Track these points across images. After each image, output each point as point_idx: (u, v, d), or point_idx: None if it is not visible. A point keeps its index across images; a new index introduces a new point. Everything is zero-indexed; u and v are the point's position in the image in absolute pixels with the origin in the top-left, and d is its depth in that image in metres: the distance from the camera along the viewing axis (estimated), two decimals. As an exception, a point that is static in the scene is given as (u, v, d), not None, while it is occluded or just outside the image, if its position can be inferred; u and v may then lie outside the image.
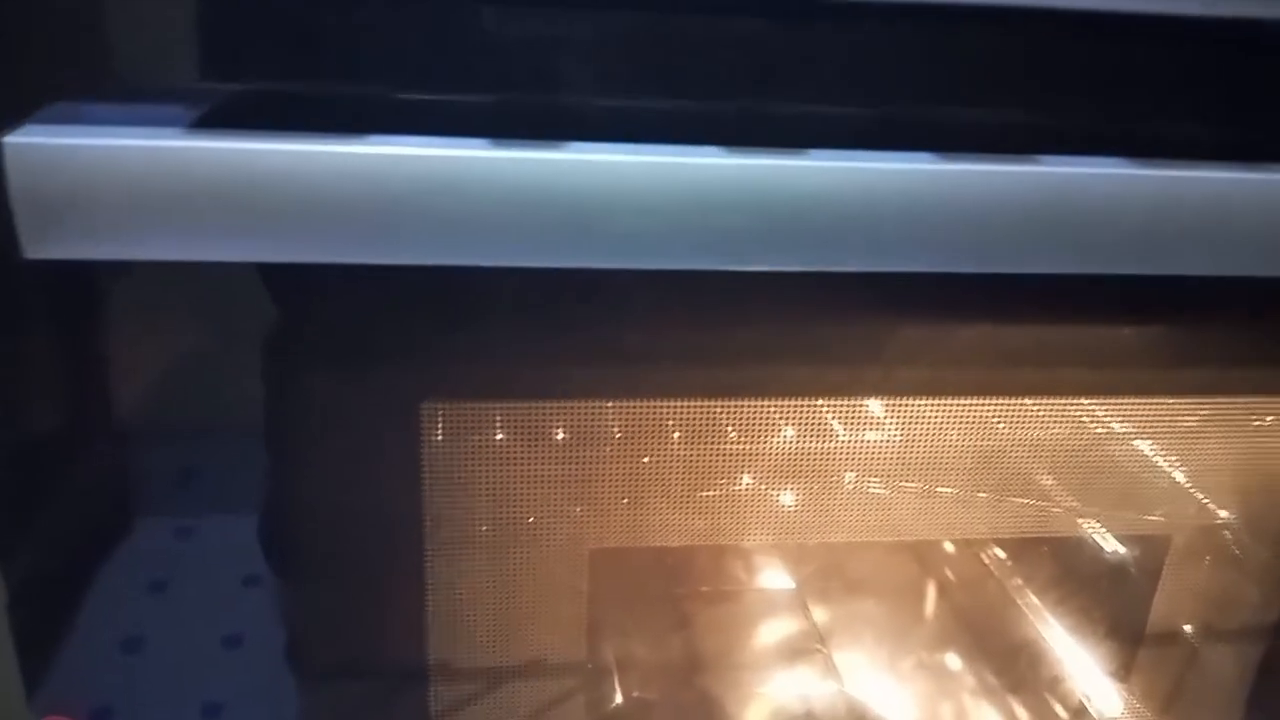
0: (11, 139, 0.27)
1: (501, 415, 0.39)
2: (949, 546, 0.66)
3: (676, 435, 0.42)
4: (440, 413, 0.38)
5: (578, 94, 0.35)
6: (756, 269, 0.33)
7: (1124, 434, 0.46)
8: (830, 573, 0.66)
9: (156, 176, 0.29)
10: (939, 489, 0.45)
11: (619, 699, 0.56)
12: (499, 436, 0.39)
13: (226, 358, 0.45)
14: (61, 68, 0.32)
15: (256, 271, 0.38)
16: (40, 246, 0.29)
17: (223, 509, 0.66)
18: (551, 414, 0.40)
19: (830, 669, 0.60)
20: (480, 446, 0.39)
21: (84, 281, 0.47)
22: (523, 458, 0.40)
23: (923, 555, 0.67)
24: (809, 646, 0.62)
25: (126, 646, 0.60)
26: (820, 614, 0.64)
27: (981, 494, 0.46)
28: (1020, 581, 0.63)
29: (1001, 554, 0.64)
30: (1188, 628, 0.51)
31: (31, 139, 0.28)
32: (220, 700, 0.57)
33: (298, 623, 0.44)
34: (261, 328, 0.38)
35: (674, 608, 0.63)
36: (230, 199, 0.30)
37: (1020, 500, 0.46)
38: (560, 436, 0.40)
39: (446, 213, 0.31)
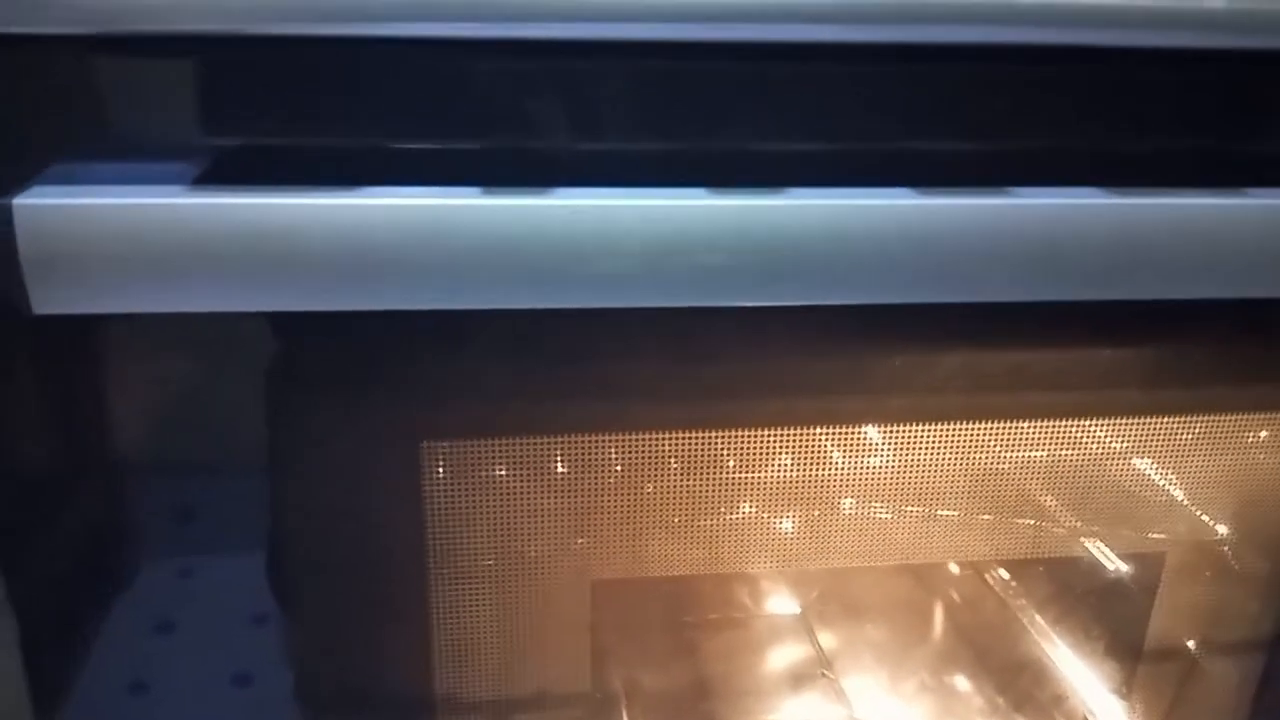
0: (21, 201, 0.28)
1: (502, 451, 0.40)
2: (952, 568, 0.67)
3: (675, 466, 0.43)
4: (441, 450, 0.39)
5: (559, 139, 0.36)
6: (742, 304, 0.34)
7: (1120, 453, 0.46)
8: (834, 597, 0.66)
9: (160, 233, 0.30)
10: (936, 512, 0.46)
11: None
12: (500, 472, 0.40)
13: (227, 395, 0.45)
14: (59, 128, 0.33)
15: (281, 324, 0.38)
16: (48, 303, 0.30)
17: (229, 547, 0.66)
18: (551, 448, 0.40)
19: (838, 694, 0.60)
20: (482, 482, 0.40)
21: (80, 321, 0.48)
22: (524, 492, 0.40)
23: (925, 577, 0.67)
24: (815, 672, 0.62)
25: (134, 689, 0.60)
26: (826, 639, 0.64)
27: (980, 516, 0.46)
28: (1023, 601, 0.63)
29: (1005, 574, 0.65)
30: (1186, 642, 0.51)
31: (40, 200, 0.29)
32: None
33: (305, 659, 0.45)
34: (262, 364, 0.39)
35: (678, 636, 0.63)
36: (232, 252, 0.31)
37: (1018, 521, 0.46)
38: (560, 470, 0.41)
39: (436, 259, 0.31)
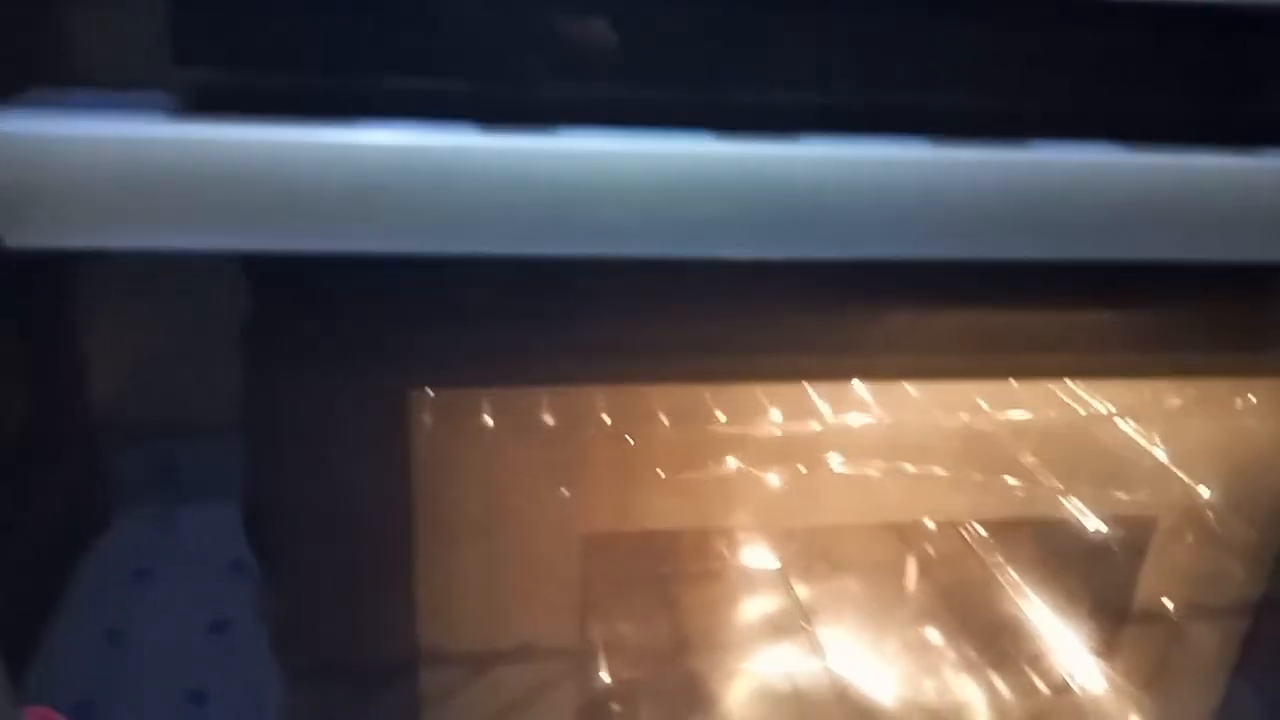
0: (-11, 127, 0.27)
1: (490, 401, 0.39)
2: (932, 525, 0.67)
3: (666, 420, 0.42)
4: (428, 399, 0.38)
5: (558, 81, 0.34)
6: (736, 256, 0.33)
7: (1109, 416, 0.46)
8: (814, 552, 0.67)
9: (137, 165, 0.28)
10: (924, 471, 0.46)
11: (607, 680, 0.56)
12: (488, 423, 0.39)
13: (205, 349, 0.44)
14: (29, 58, 0.31)
15: (238, 261, 0.37)
16: (20, 235, 0.28)
17: (206, 498, 0.65)
18: (540, 399, 0.40)
19: (815, 646, 0.61)
20: (469, 433, 0.39)
21: (61, 277, 0.46)
22: (512, 443, 0.40)
23: (906, 534, 0.67)
24: (794, 624, 0.62)
25: (111, 637, 0.59)
26: (804, 592, 0.64)
27: (966, 476, 0.46)
28: (1003, 560, 0.63)
29: (984, 533, 0.65)
30: (1171, 606, 0.52)
31: (11, 127, 0.27)
32: (206, 688, 0.57)
33: (287, 613, 0.44)
34: (241, 318, 0.38)
35: (660, 590, 0.63)
36: (212, 188, 0.29)
37: (1005, 482, 0.47)
38: (549, 422, 0.40)
39: (426, 201, 0.30)
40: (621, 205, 0.31)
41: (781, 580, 0.66)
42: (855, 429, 0.44)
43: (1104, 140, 0.36)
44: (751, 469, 0.45)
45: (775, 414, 0.44)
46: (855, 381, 0.44)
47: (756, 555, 0.67)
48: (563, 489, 0.41)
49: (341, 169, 0.30)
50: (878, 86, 0.37)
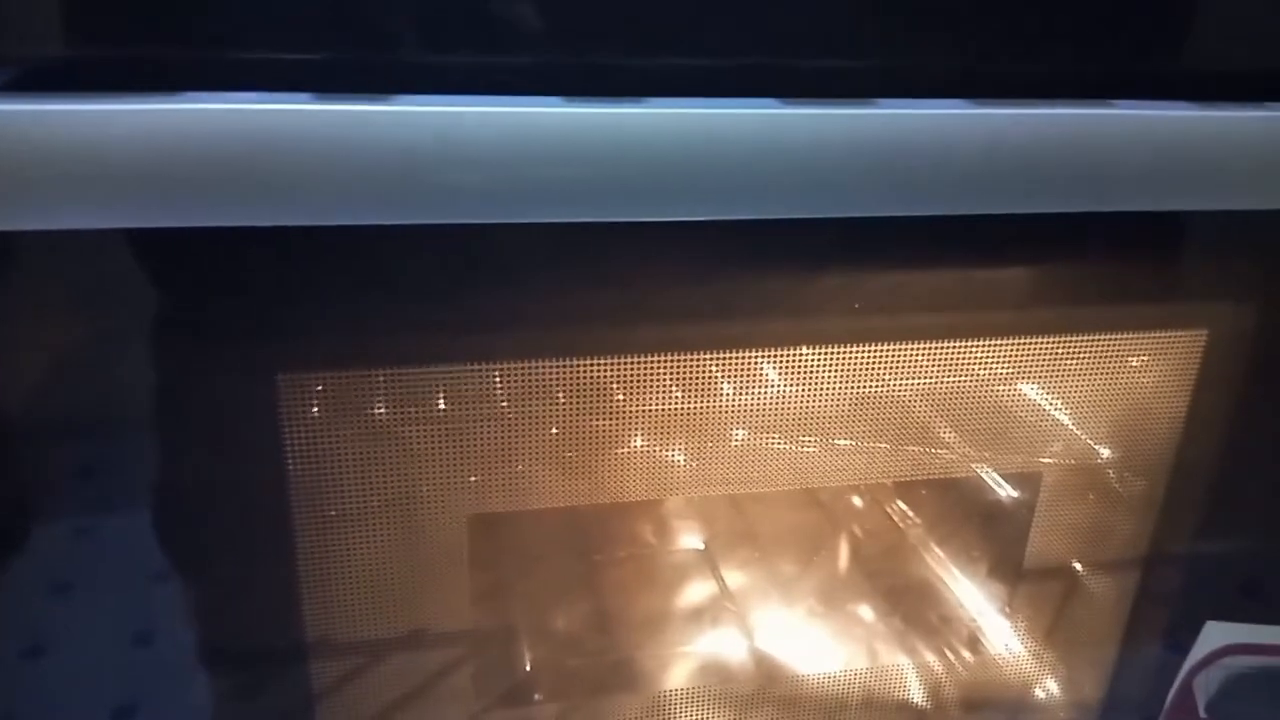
0: None
1: (364, 384, 0.39)
2: (854, 500, 0.67)
3: (560, 396, 0.42)
4: (299, 383, 0.38)
5: (412, 48, 0.34)
6: (597, 219, 0.33)
7: (1000, 375, 0.47)
8: (736, 531, 0.67)
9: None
10: (818, 436, 0.46)
11: (528, 666, 0.56)
12: (362, 405, 0.39)
13: (116, 346, 0.44)
14: None
15: (131, 254, 0.37)
16: None
17: (125, 503, 0.64)
18: (416, 380, 0.39)
19: (741, 625, 0.61)
20: (343, 416, 0.39)
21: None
22: (388, 426, 0.39)
23: (826, 508, 0.67)
24: (719, 604, 0.62)
25: (30, 653, 0.58)
26: (729, 572, 0.65)
27: (862, 438, 0.46)
28: (918, 526, 0.64)
29: (902, 503, 0.65)
30: (1066, 561, 0.53)
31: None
32: (132, 701, 0.56)
33: (194, 611, 0.43)
34: (143, 310, 0.38)
35: (584, 573, 0.63)
36: (58, 162, 0.29)
37: (901, 442, 0.47)
38: (424, 403, 0.40)
39: (277, 170, 0.30)
40: (463, 170, 0.31)
41: (706, 561, 0.66)
42: (753, 399, 0.44)
43: (955, 95, 0.36)
44: (652, 444, 0.45)
45: (672, 387, 0.44)
46: (748, 351, 0.44)
47: (681, 537, 0.67)
48: (445, 471, 0.41)
49: (178, 140, 0.30)
50: (735, 52, 0.37)
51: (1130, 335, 0.47)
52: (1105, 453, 0.50)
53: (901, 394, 0.45)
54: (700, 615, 0.61)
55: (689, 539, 0.67)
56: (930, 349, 0.45)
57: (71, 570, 0.47)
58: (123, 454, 0.40)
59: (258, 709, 0.43)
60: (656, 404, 0.43)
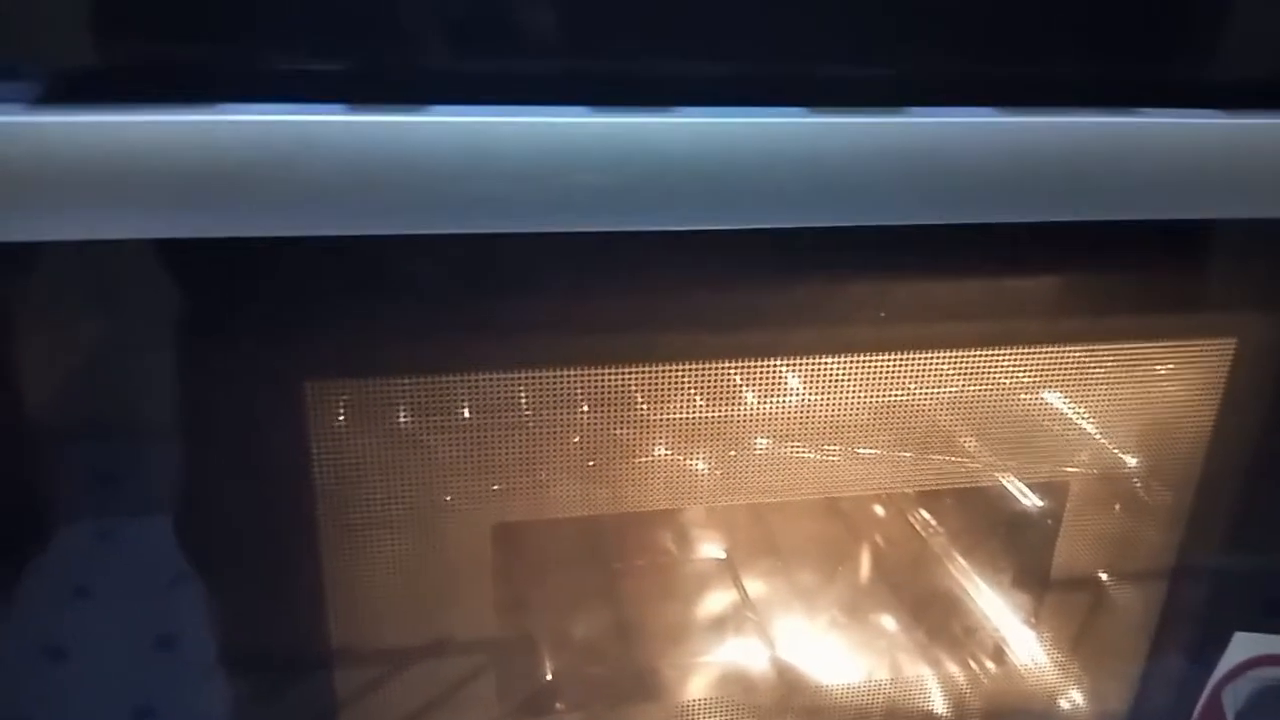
0: None
1: (390, 391, 0.39)
2: (876, 509, 0.67)
3: (584, 405, 0.42)
4: (326, 390, 0.38)
5: (438, 58, 0.34)
6: (626, 228, 0.33)
7: (1027, 383, 0.46)
8: (758, 540, 0.66)
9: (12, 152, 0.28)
10: (844, 445, 0.45)
11: (549, 675, 0.56)
12: (389, 413, 0.39)
13: (142, 352, 0.44)
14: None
15: (158, 261, 0.37)
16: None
17: (149, 508, 0.64)
18: (442, 388, 0.39)
19: (762, 635, 0.60)
20: (369, 424, 0.39)
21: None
22: (413, 434, 0.39)
23: (847, 518, 0.67)
24: (740, 614, 0.62)
25: (52, 655, 0.58)
26: (750, 581, 0.64)
27: (887, 448, 0.46)
28: (942, 537, 0.63)
29: (925, 513, 0.65)
30: (1092, 572, 0.52)
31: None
32: (153, 704, 0.56)
33: (218, 621, 0.44)
34: (168, 315, 0.38)
35: (607, 583, 0.63)
36: (88, 174, 0.29)
37: (926, 451, 0.46)
38: (452, 411, 0.40)
39: (301, 180, 0.30)
40: (493, 180, 0.31)
41: (728, 570, 0.65)
42: (777, 408, 0.44)
43: (986, 103, 0.36)
44: (676, 453, 0.45)
45: (691, 394, 0.44)
46: (773, 360, 0.44)
47: (702, 546, 0.67)
48: (471, 480, 0.41)
49: (212, 151, 0.30)
50: (763, 58, 0.37)
51: (1158, 344, 0.47)
52: (1132, 462, 0.50)
53: (926, 403, 0.45)
54: (722, 625, 0.61)
55: (711, 548, 0.67)
56: (956, 358, 0.44)
57: (94, 574, 0.47)
58: (147, 459, 0.40)
59: (279, 715, 0.43)
60: (680, 413, 0.43)
